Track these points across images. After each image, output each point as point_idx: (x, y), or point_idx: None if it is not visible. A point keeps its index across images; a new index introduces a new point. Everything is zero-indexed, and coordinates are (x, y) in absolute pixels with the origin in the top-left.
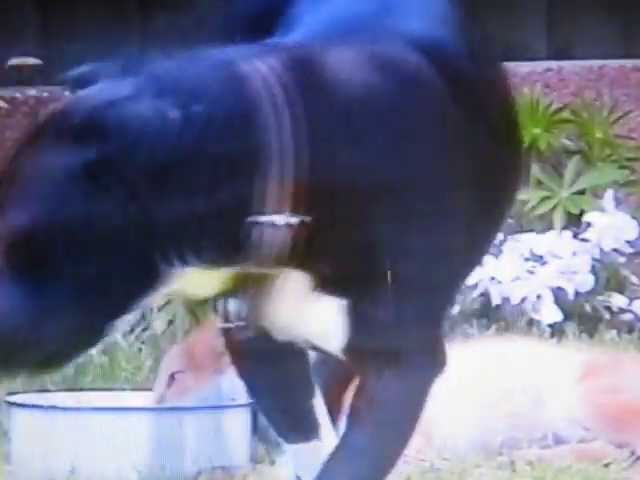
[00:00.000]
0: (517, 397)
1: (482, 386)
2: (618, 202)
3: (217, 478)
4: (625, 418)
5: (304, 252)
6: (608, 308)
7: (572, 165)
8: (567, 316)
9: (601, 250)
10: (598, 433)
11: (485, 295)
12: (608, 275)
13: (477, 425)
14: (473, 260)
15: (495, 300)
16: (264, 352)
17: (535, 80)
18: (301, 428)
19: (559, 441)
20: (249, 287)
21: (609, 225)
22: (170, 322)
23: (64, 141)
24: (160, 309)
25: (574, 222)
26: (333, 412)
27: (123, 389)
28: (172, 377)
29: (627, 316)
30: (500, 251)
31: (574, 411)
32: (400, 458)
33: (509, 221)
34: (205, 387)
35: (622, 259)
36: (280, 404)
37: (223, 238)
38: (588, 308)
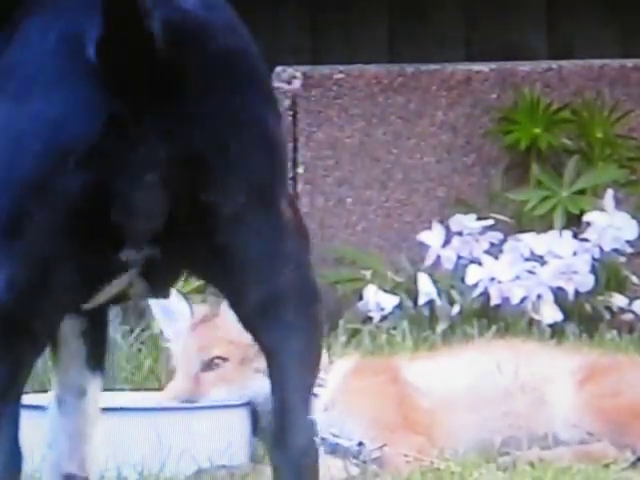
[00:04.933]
0: (517, 398)
1: (482, 386)
2: (618, 202)
3: (217, 478)
4: (627, 421)
5: None
6: (608, 308)
7: (572, 165)
8: (567, 316)
9: (601, 250)
10: (601, 437)
11: (485, 295)
12: (608, 275)
13: (477, 425)
14: None
15: (495, 300)
16: None
17: (535, 80)
18: None
19: (559, 442)
20: None
21: (609, 225)
22: None
23: None
24: None
25: (574, 222)
26: None
27: (122, 389)
28: (212, 361)
29: (627, 316)
30: (500, 251)
31: (576, 414)
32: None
33: (509, 221)
34: (247, 383)
35: (622, 259)
36: None
37: None
38: (588, 308)
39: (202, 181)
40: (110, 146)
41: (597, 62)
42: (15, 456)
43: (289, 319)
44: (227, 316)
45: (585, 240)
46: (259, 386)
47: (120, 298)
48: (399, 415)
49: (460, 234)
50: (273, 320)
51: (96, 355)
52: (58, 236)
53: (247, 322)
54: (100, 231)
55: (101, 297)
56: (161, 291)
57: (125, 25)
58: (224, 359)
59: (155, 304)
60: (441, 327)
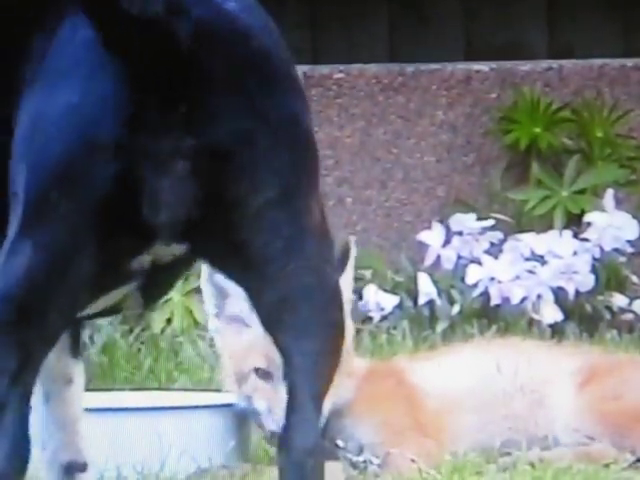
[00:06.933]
0: (518, 400)
1: (482, 387)
2: (618, 201)
3: (217, 478)
4: (628, 424)
5: None
6: (608, 308)
7: (572, 164)
8: (567, 316)
9: (601, 250)
10: (601, 439)
11: (485, 295)
12: (608, 275)
13: (477, 426)
14: None
15: (495, 300)
16: None
17: (535, 79)
18: None
19: (559, 444)
20: None
21: (609, 225)
22: (168, 321)
23: None
24: (158, 308)
25: (574, 222)
26: None
27: (122, 389)
28: (257, 371)
29: (628, 316)
30: (500, 251)
31: (576, 418)
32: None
33: (509, 220)
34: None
35: (622, 259)
36: None
37: None
38: (588, 308)
39: (229, 175)
40: (139, 139)
41: (597, 62)
42: (22, 446)
43: (305, 321)
44: None
45: (585, 240)
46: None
47: (111, 310)
48: (408, 418)
49: (460, 234)
50: (289, 320)
51: (76, 343)
52: (82, 228)
53: (265, 320)
54: (127, 225)
55: (100, 303)
56: (151, 304)
57: (142, 27)
58: None
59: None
60: (441, 327)
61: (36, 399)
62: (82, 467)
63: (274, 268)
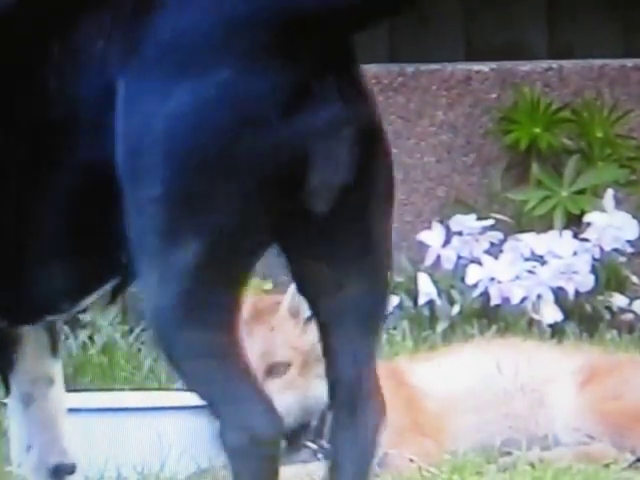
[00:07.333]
0: (518, 399)
1: (482, 387)
2: (618, 202)
3: (217, 478)
4: (629, 424)
5: None
6: (608, 308)
7: (572, 165)
8: (567, 316)
9: (601, 250)
10: (602, 439)
11: (485, 295)
12: (608, 275)
13: (477, 426)
14: None
15: (495, 300)
16: None
17: (535, 79)
18: None
19: (559, 444)
20: None
21: (609, 225)
22: None
23: None
24: None
25: (574, 222)
26: None
27: (122, 389)
28: (274, 367)
29: (627, 316)
30: (500, 251)
31: (577, 417)
32: None
33: (509, 221)
34: (310, 390)
35: (622, 259)
36: None
37: None
38: (588, 308)
39: (371, 152)
40: (299, 115)
41: (597, 62)
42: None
43: (376, 315)
44: (282, 317)
45: (585, 240)
46: (320, 392)
47: None
48: (407, 419)
49: (460, 234)
50: (364, 314)
51: (55, 342)
52: (247, 211)
53: (344, 310)
54: (290, 202)
55: None
56: None
57: None
58: (287, 365)
59: None
60: (441, 327)
61: (14, 402)
62: (70, 469)
63: (376, 259)
